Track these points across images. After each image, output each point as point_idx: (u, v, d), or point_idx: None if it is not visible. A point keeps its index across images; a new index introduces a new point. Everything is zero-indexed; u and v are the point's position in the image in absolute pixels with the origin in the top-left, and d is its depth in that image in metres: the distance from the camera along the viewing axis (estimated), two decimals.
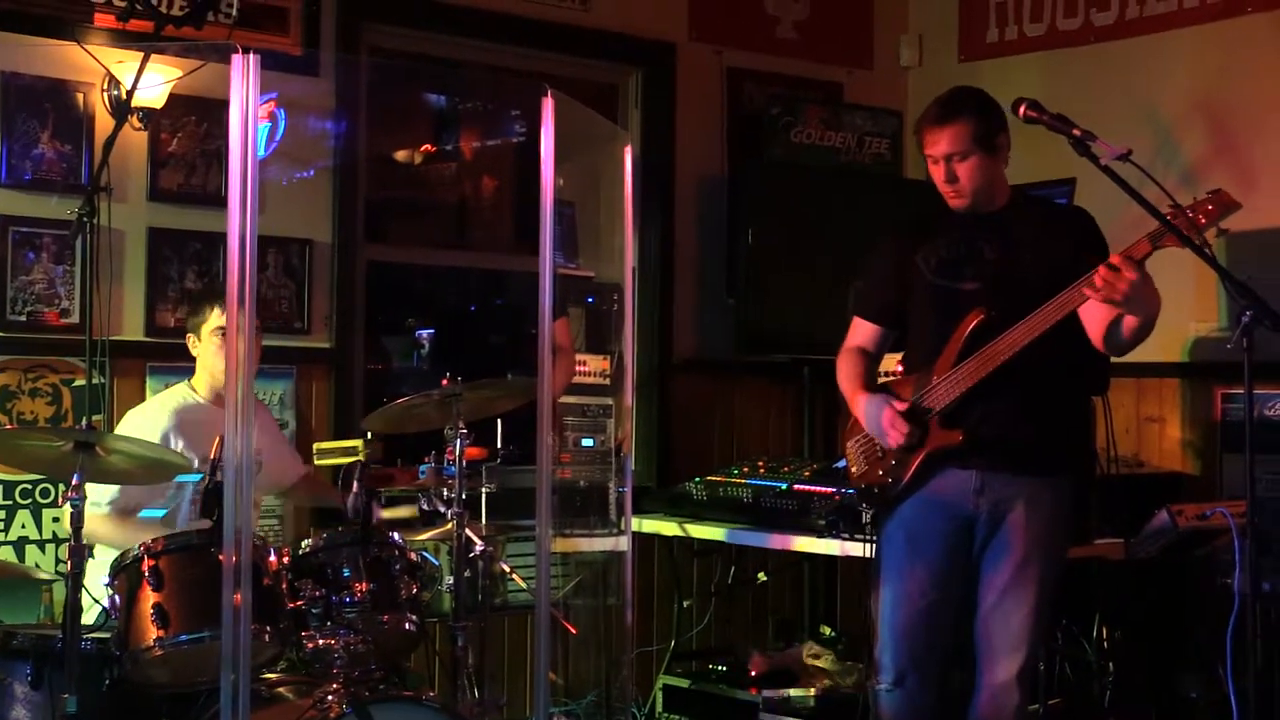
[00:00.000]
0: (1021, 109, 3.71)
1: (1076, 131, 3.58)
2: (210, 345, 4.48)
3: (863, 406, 4.03)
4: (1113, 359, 4.03)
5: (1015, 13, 6.43)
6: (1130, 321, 3.75)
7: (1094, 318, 3.82)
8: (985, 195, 3.96)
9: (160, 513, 4.22)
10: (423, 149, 6.45)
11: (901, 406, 3.92)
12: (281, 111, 5.12)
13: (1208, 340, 5.66)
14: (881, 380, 4.20)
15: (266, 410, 4.99)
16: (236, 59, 3.06)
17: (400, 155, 6.37)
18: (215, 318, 4.46)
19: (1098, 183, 3.67)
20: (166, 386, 4.78)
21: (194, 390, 4.55)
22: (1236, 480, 5.46)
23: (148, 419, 4.42)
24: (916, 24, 6.85)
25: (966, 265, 3.96)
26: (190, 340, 4.56)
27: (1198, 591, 4.93)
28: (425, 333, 6.36)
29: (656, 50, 6.21)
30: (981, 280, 3.92)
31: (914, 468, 3.93)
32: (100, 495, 4.19)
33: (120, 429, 4.48)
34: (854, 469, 4.17)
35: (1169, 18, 5.90)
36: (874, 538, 4.28)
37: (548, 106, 3.44)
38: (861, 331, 4.20)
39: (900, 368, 4.24)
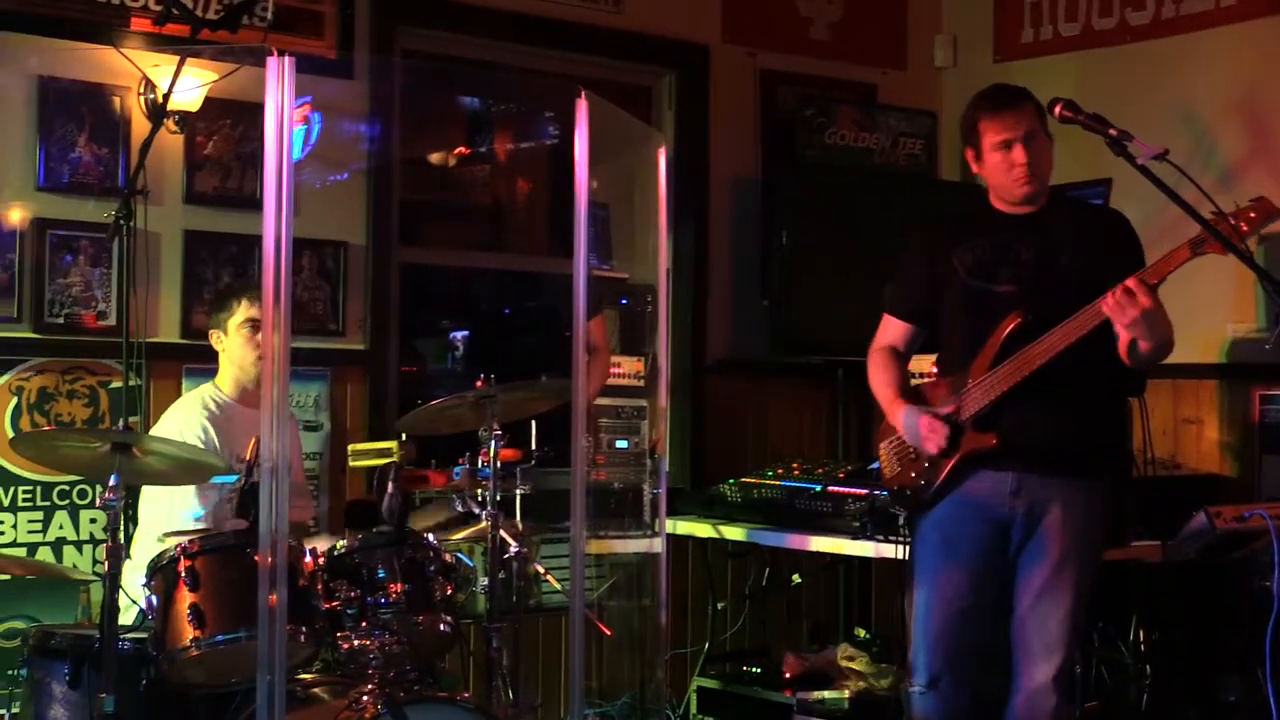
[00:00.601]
0: (1058, 109, 3.69)
1: (1113, 131, 3.56)
2: (238, 339, 4.48)
3: (901, 418, 4.02)
4: None
5: (1050, 13, 6.40)
6: (1142, 345, 3.76)
7: (1120, 332, 3.81)
8: (1043, 185, 3.95)
9: (199, 513, 4.23)
10: (456, 151, 6.46)
11: (943, 413, 3.91)
12: (317, 115, 5.14)
13: (1245, 341, 5.62)
14: (915, 383, 4.18)
15: (294, 420, 4.99)
16: (272, 62, 3.07)
17: (434, 157, 6.38)
18: (243, 310, 4.46)
19: (1134, 183, 3.66)
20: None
21: (220, 389, 4.56)
22: (1275, 482, 5.43)
23: (183, 421, 4.45)
24: (951, 24, 6.83)
25: (1002, 267, 3.94)
26: (215, 337, 4.56)
27: (1236, 594, 4.88)
28: (459, 335, 6.37)
29: (690, 52, 6.21)
30: (1017, 283, 3.90)
31: (947, 470, 3.92)
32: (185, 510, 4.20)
33: (157, 430, 4.50)
34: (887, 471, 4.15)
35: (1205, 16, 5.86)
36: (908, 539, 4.26)
37: (582, 108, 3.44)
38: (893, 330, 4.18)
39: (934, 369, 4.22)
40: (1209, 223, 3.50)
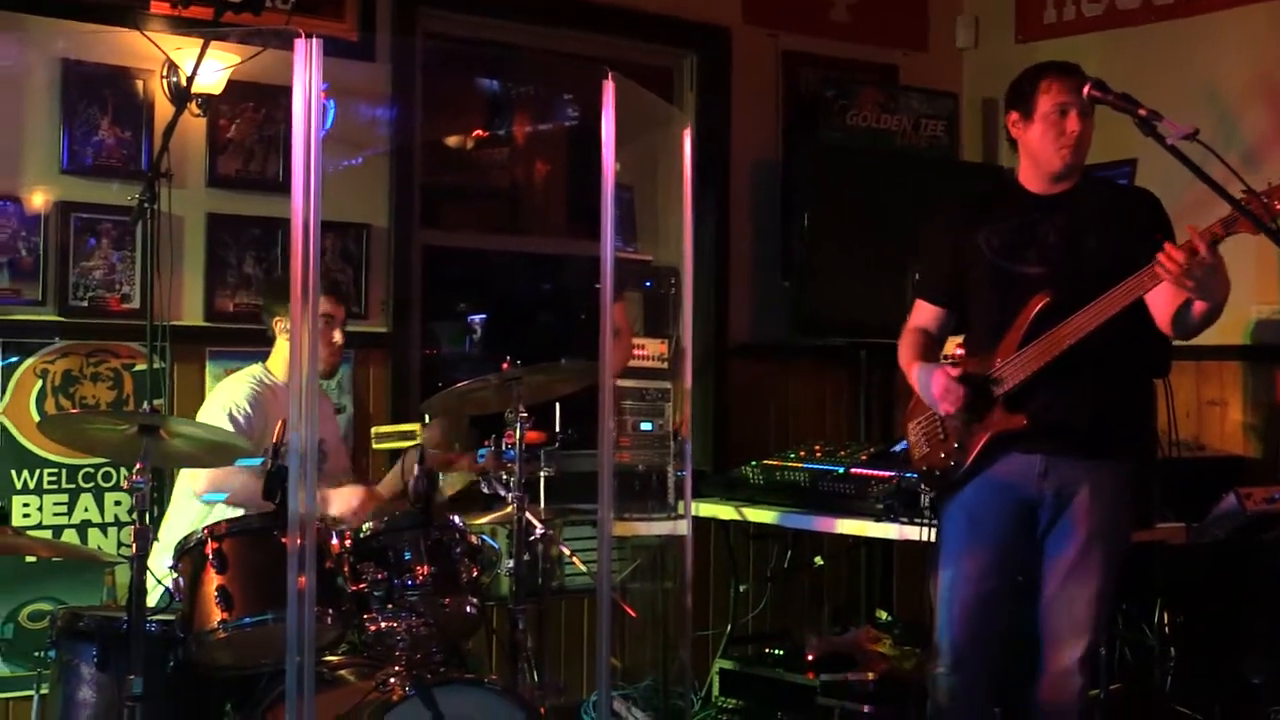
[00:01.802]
0: (1086, 88, 3.66)
1: (1143, 111, 3.53)
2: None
3: (916, 374, 4.01)
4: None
5: None
6: (1200, 306, 3.70)
7: (1162, 301, 3.77)
8: (1080, 163, 3.92)
9: (258, 460, 4.16)
10: (477, 133, 6.46)
11: (955, 372, 3.89)
12: (331, 102, 5.12)
13: (1270, 323, 5.60)
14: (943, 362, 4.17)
15: (331, 406, 5.00)
16: (300, 44, 3.06)
17: (455, 140, 6.38)
18: (320, 304, 4.43)
19: (1159, 163, 3.63)
20: (227, 371, 4.81)
21: (270, 372, 4.59)
22: None
23: (230, 395, 4.48)
24: (972, 5, 6.81)
25: (1029, 248, 3.92)
26: (280, 324, 4.55)
27: (1263, 576, 4.88)
28: (478, 318, 6.37)
29: (711, 34, 6.19)
30: (1045, 263, 3.88)
31: (977, 450, 3.90)
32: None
33: (207, 402, 4.55)
34: (915, 451, 4.14)
35: None
36: (933, 521, 4.26)
37: (609, 89, 3.42)
38: (924, 313, 4.17)
39: (959, 351, 4.21)
40: (1240, 202, 3.47)
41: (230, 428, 4.29)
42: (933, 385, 3.92)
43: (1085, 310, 3.74)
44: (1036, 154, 3.94)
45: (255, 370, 4.61)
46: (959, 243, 4.04)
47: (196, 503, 4.33)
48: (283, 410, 4.32)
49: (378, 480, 4.80)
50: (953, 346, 4.37)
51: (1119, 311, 3.72)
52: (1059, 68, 3.92)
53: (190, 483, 4.37)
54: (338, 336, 4.58)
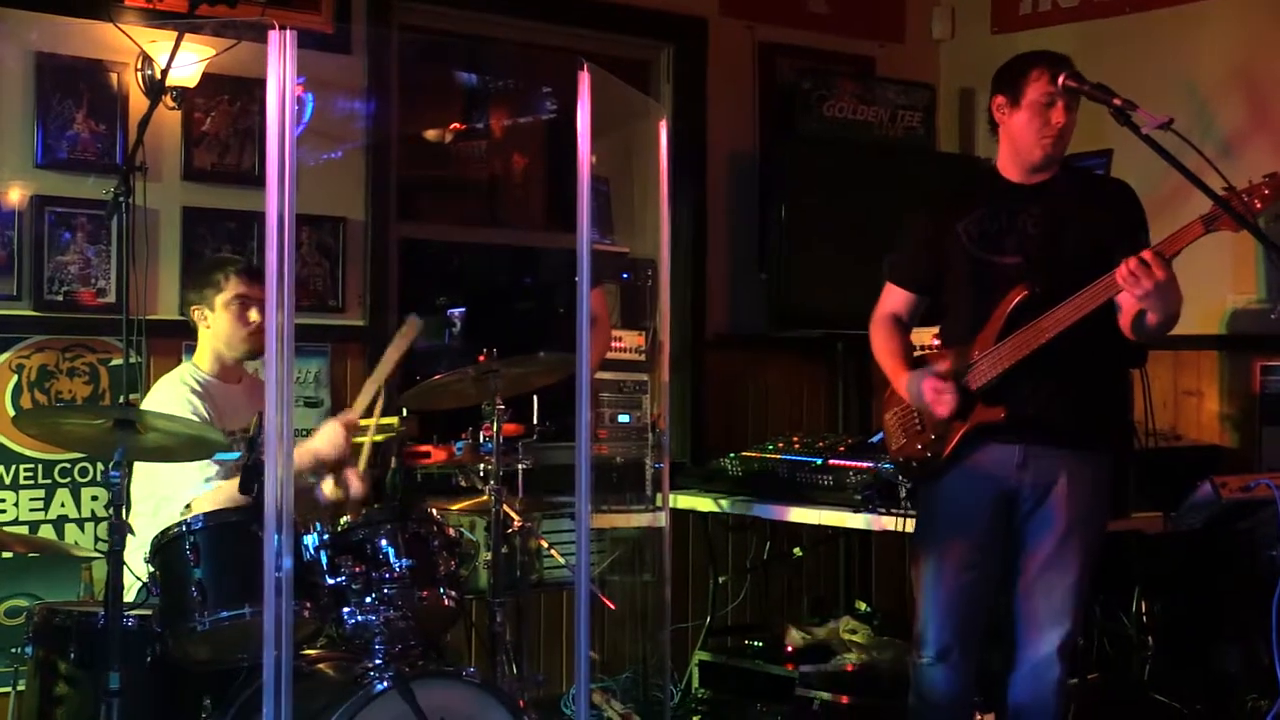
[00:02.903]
0: (1061, 78, 3.68)
1: (1117, 101, 3.55)
2: (225, 315, 4.32)
3: (905, 384, 4.01)
4: None
5: None
6: (1150, 318, 3.75)
7: (1124, 306, 3.80)
8: (1060, 156, 3.93)
9: (234, 454, 4.03)
10: (454, 126, 6.45)
11: (942, 369, 3.89)
12: (309, 96, 5.10)
13: (1246, 312, 5.63)
14: (918, 354, 4.17)
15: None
16: (274, 36, 3.05)
17: (432, 133, 6.36)
18: (232, 286, 4.30)
19: (1136, 154, 3.65)
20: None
21: (199, 368, 4.39)
22: (1276, 453, 5.44)
23: (169, 401, 4.27)
24: None
25: (1008, 237, 3.92)
26: (198, 313, 4.37)
27: (1239, 564, 4.90)
28: (456, 311, 6.36)
29: (688, 25, 6.19)
30: (1022, 253, 3.89)
31: (955, 441, 3.91)
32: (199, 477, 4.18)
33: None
34: (893, 442, 4.14)
35: None
36: (911, 512, 4.25)
37: (584, 81, 3.41)
38: (895, 298, 4.16)
39: (935, 341, 4.21)
40: (1222, 199, 3.48)
41: None
42: (924, 393, 3.92)
43: (1062, 306, 3.75)
44: (1018, 141, 3.94)
45: (185, 370, 4.41)
46: (937, 231, 4.04)
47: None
48: (223, 403, 4.28)
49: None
50: (928, 337, 4.39)
51: (1096, 308, 3.73)
52: (1051, 59, 3.92)
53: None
54: (254, 315, 4.42)
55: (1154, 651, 4.99)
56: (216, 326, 4.36)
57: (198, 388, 4.33)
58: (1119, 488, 4.41)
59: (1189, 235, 3.60)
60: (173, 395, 4.32)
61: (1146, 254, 3.58)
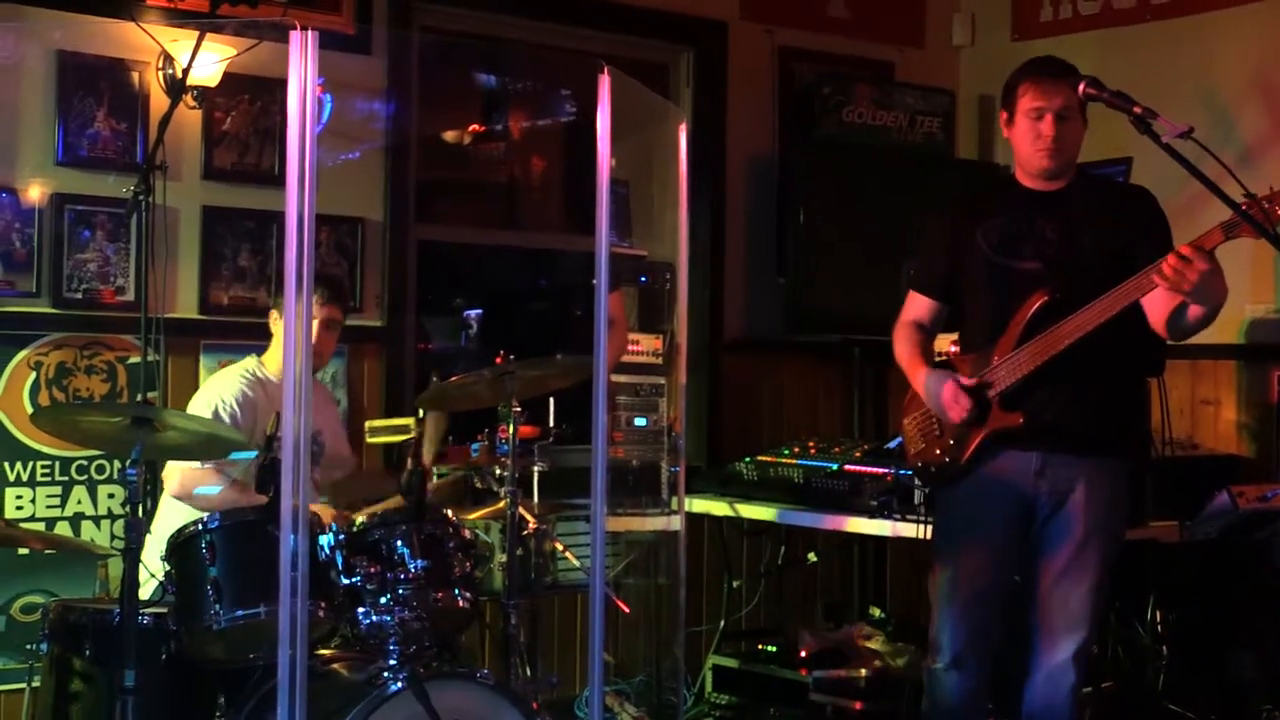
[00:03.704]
0: (1081, 86, 3.66)
1: (1138, 109, 3.53)
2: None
3: (923, 380, 4.00)
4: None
5: None
6: (1195, 310, 3.71)
7: (1157, 303, 3.77)
8: (1069, 165, 3.92)
9: (252, 454, 4.13)
10: (473, 128, 6.45)
11: (967, 382, 3.89)
12: (328, 96, 5.11)
13: (1264, 322, 5.61)
14: (938, 359, 4.17)
15: (329, 395, 5.00)
16: (295, 36, 3.06)
17: (451, 134, 6.37)
18: (318, 304, 4.47)
19: (1155, 162, 3.63)
20: (220, 364, 4.82)
21: (264, 365, 4.61)
22: None
23: (220, 390, 4.50)
24: (969, 2, 6.80)
25: (1026, 244, 3.91)
26: (274, 317, 4.60)
27: (1256, 574, 4.89)
28: (473, 313, 6.36)
29: (708, 29, 6.19)
30: (1042, 259, 3.88)
31: (973, 447, 3.90)
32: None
33: (196, 397, 4.55)
34: (911, 447, 4.13)
35: None
36: (927, 518, 4.24)
37: (604, 84, 3.42)
38: (918, 306, 4.16)
39: (955, 348, 4.21)
40: (1243, 208, 3.47)
41: None
42: (942, 394, 3.92)
43: (1084, 311, 3.73)
44: (1019, 153, 3.96)
45: (249, 364, 4.61)
46: (957, 238, 4.03)
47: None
48: (275, 405, 4.32)
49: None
50: (947, 344, 4.38)
51: (1117, 313, 3.72)
52: (1039, 69, 3.91)
53: (165, 483, 4.37)
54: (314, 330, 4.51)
55: (1168, 660, 4.97)
56: (278, 335, 4.49)
57: (250, 384, 4.50)
58: (1136, 496, 4.40)
59: (1209, 241, 3.58)
60: (226, 383, 4.54)
61: (1185, 248, 3.55)
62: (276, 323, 4.57)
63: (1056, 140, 3.86)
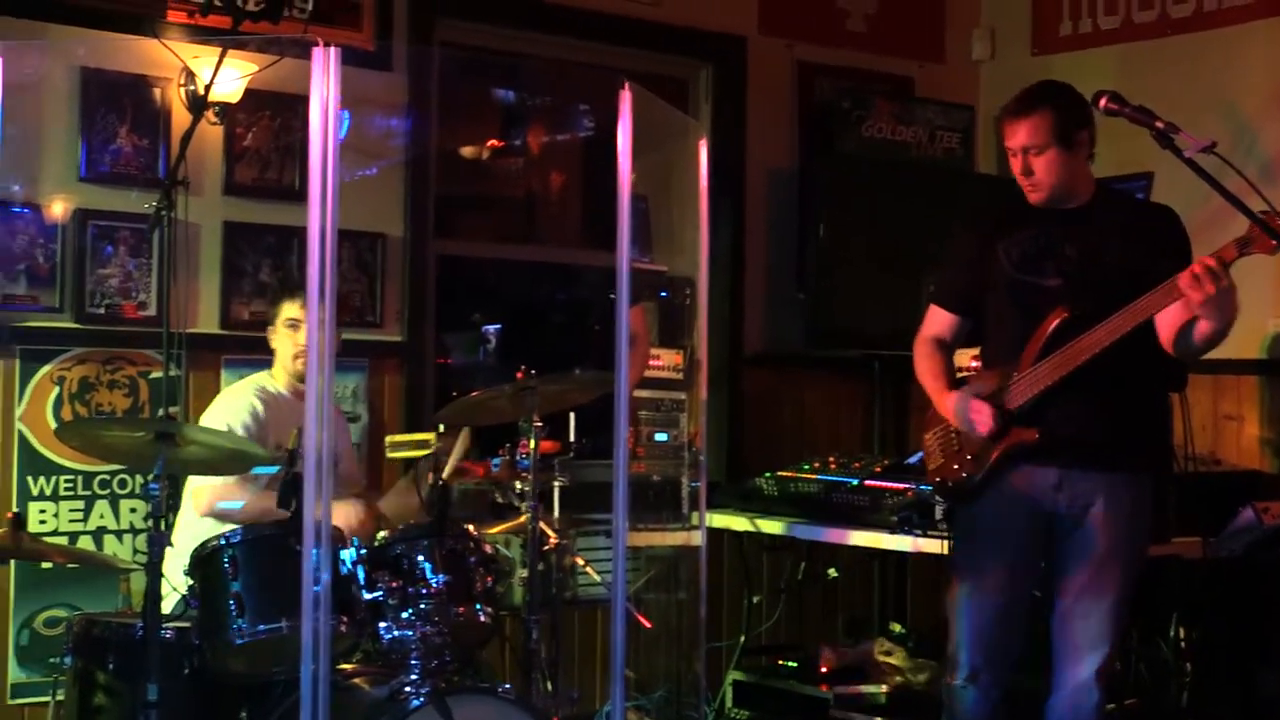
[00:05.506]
0: (1103, 101, 3.66)
1: (1160, 124, 3.53)
2: (279, 336, 4.58)
3: (951, 405, 4.00)
4: None
5: (1089, 5, 6.36)
6: (1204, 327, 3.69)
7: (1167, 320, 3.76)
8: (1064, 191, 3.92)
9: (274, 468, 4.14)
10: (492, 143, 6.47)
11: (985, 391, 3.89)
12: (345, 112, 5.10)
13: None
14: (960, 375, 4.17)
15: (338, 411, 5.01)
16: (318, 53, 3.07)
17: (471, 150, 6.39)
18: (285, 309, 4.55)
19: (1176, 176, 3.63)
20: (241, 379, 4.82)
21: (273, 379, 4.64)
22: None
23: (233, 404, 4.52)
24: (989, 17, 6.80)
25: (1048, 261, 3.91)
26: (269, 332, 4.65)
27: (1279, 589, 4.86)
28: (492, 327, 6.37)
29: (727, 44, 6.20)
30: (1063, 277, 3.88)
31: (991, 462, 3.90)
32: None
33: (208, 413, 4.56)
34: (931, 463, 4.14)
35: (1248, 9, 5.82)
36: (948, 534, 4.23)
37: (625, 99, 3.43)
38: (939, 320, 4.16)
39: (976, 363, 4.20)
40: (1263, 220, 3.45)
41: None
42: (969, 411, 3.92)
43: (1101, 326, 3.73)
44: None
45: (259, 379, 4.63)
46: (979, 253, 4.04)
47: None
48: (286, 419, 4.34)
49: (388, 489, 4.81)
50: (967, 359, 4.38)
51: (1134, 328, 3.71)
52: (1005, 108, 3.95)
53: (193, 503, 4.39)
54: (302, 338, 4.55)
55: (1192, 678, 4.94)
56: (277, 346, 4.56)
57: (261, 399, 4.53)
58: (1159, 512, 4.38)
59: (1227, 255, 3.57)
60: (237, 399, 4.55)
61: (1208, 259, 3.54)
62: (274, 337, 4.61)
63: (1027, 176, 3.89)
